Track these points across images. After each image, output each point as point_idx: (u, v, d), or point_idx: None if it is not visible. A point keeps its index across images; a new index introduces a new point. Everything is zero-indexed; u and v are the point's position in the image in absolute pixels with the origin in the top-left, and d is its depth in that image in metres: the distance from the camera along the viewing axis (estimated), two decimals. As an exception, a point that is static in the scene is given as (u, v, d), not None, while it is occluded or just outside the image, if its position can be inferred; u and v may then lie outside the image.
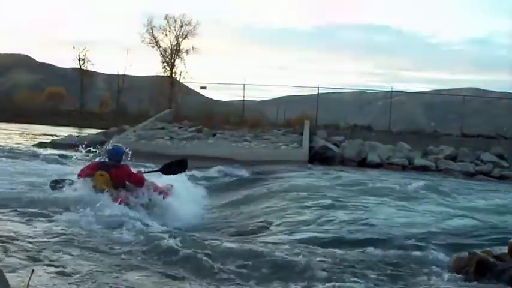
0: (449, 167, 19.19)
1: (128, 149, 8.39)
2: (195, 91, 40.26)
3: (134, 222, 6.97)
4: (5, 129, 32.83)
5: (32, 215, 7.20)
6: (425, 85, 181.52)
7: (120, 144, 8.54)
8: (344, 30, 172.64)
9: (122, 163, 8.03)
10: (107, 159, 8.08)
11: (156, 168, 9.11)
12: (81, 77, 61.42)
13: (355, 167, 18.95)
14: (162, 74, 57.74)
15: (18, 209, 7.51)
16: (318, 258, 5.73)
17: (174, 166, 9.08)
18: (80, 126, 43.87)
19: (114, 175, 7.78)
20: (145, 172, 8.57)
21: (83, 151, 10.05)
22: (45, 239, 5.98)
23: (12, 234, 6.07)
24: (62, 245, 5.81)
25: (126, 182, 7.94)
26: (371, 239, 6.85)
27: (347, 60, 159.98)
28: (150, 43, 56.87)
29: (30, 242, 5.77)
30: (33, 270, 3.82)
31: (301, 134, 21.86)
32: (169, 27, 56.63)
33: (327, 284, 4.93)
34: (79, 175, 7.99)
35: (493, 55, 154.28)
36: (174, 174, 9.02)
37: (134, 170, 8.21)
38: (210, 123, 23.22)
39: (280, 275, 5.17)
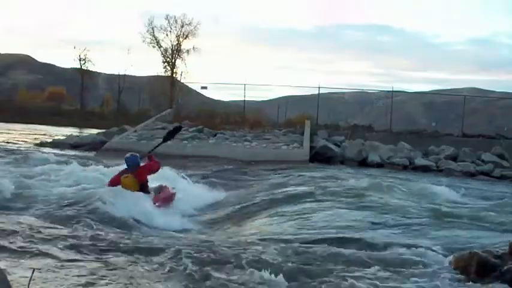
0: (450, 167, 19.20)
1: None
2: (196, 91, 40.25)
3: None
4: (7, 129, 32.83)
5: (33, 214, 7.23)
6: (426, 85, 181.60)
7: (133, 153, 9.27)
8: (345, 30, 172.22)
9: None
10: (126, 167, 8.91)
11: (160, 141, 10.65)
12: (82, 77, 61.46)
13: (355, 167, 18.96)
14: (162, 74, 57.81)
15: (23, 208, 7.60)
16: (316, 258, 5.74)
17: (173, 132, 11.48)
18: (81, 126, 43.93)
19: (138, 177, 8.65)
20: (151, 151, 9.70)
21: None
22: (47, 239, 5.99)
23: (13, 234, 6.08)
24: (65, 244, 5.82)
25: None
26: (370, 239, 6.85)
27: (348, 60, 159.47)
28: (150, 43, 56.96)
29: (31, 242, 5.79)
30: (33, 270, 3.82)
31: (302, 134, 21.86)
32: (170, 27, 56.72)
33: (326, 284, 4.93)
34: (108, 184, 8.87)
35: (494, 55, 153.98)
36: (174, 136, 11.62)
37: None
38: (210, 123, 23.22)
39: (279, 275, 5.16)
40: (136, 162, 8.80)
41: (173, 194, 9.08)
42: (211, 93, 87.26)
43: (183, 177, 11.43)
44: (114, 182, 8.69)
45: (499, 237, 7.10)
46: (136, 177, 8.60)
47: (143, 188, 8.63)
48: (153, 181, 9.16)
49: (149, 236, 6.69)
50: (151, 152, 9.47)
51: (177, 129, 11.49)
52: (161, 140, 10.74)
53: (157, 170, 9.01)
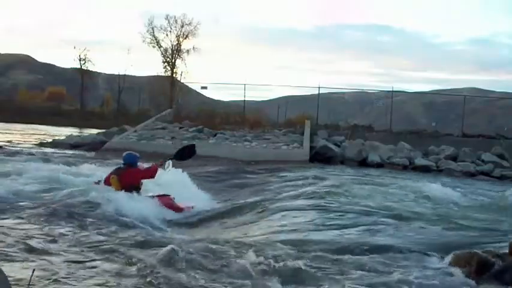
0: (450, 167, 19.19)
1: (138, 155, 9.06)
2: (196, 91, 40.25)
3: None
4: (7, 130, 32.85)
5: (30, 214, 7.25)
6: (426, 85, 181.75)
7: (133, 152, 9.17)
8: (345, 30, 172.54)
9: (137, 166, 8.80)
10: (122, 165, 8.82)
11: (171, 157, 9.73)
12: (82, 77, 61.51)
13: (355, 167, 18.96)
14: (162, 74, 57.91)
15: (20, 207, 7.63)
16: (315, 260, 5.73)
17: (186, 151, 10.05)
18: (81, 126, 43.95)
19: (123, 177, 8.47)
20: (161, 164, 9.13)
21: None
22: (46, 239, 6.00)
23: (15, 234, 6.09)
24: (63, 244, 5.83)
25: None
26: (370, 239, 6.85)
27: (348, 60, 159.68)
28: (151, 43, 57.11)
29: (30, 242, 5.79)
30: (34, 270, 3.82)
31: (302, 134, 21.87)
32: (170, 27, 56.88)
33: (327, 284, 4.93)
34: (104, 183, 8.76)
35: (494, 55, 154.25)
36: (186, 159, 9.94)
37: (147, 165, 9.00)
38: (210, 123, 23.22)
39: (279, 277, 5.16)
40: (131, 161, 8.67)
41: (176, 206, 8.70)
42: (211, 93, 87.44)
43: (184, 176, 11.35)
44: (107, 180, 8.64)
45: (498, 237, 7.10)
46: (121, 178, 8.44)
47: (128, 190, 8.33)
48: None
49: (143, 235, 6.70)
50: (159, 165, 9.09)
51: (191, 151, 10.21)
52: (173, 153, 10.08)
53: (152, 177, 8.79)
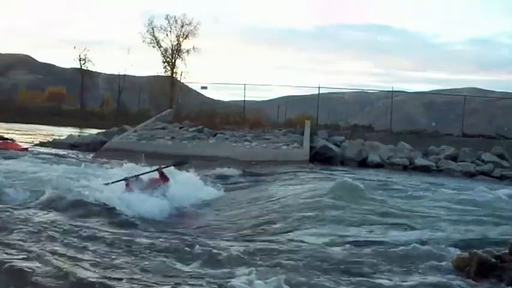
0: (450, 167, 19.19)
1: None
2: (196, 91, 40.22)
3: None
4: (7, 129, 32.83)
5: (30, 213, 7.26)
6: (426, 85, 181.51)
7: None
8: (345, 30, 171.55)
9: None
10: None
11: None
12: (82, 77, 61.55)
13: (355, 167, 18.95)
14: (162, 74, 57.92)
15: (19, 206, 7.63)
16: (320, 256, 5.73)
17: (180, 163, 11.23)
18: (81, 126, 43.97)
19: None
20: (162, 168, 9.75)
21: None
22: (50, 239, 6.00)
23: (16, 233, 6.09)
24: (63, 242, 5.82)
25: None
26: (372, 239, 6.85)
27: (348, 60, 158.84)
28: (150, 43, 57.11)
29: (30, 241, 5.79)
30: (33, 270, 3.84)
31: (302, 134, 21.85)
32: (170, 27, 56.89)
33: (329, 282, 4.93)
34: None
35: (494, 55, 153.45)
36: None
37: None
38: (210, 123, 23.21)
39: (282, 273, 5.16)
40: None
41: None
42: (211, 93, 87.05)
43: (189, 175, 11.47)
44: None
45: (499, 238, 7.10)
46: None
47: None
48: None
49: (145, 233, 6.72)
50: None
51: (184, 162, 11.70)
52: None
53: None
